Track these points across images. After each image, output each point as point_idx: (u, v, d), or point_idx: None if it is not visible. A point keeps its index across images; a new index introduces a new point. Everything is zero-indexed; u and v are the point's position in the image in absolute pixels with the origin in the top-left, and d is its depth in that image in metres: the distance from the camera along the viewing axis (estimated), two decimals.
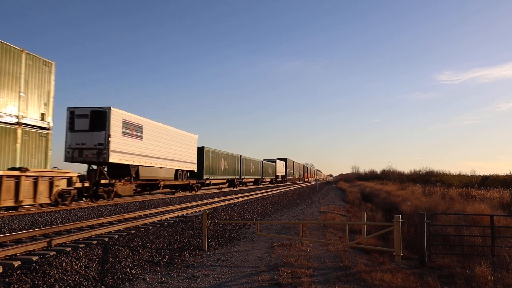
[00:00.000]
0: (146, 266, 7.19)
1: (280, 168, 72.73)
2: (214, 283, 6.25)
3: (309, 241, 9.90)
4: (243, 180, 47.58)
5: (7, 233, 9.70)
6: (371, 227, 12.22)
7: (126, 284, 6.08)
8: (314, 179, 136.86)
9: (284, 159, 79.33)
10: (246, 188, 45.95)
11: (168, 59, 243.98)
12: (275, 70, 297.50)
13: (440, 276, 7.05)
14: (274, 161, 68.83)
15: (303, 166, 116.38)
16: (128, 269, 6.81)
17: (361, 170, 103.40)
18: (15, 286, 5.57)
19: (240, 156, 45.58)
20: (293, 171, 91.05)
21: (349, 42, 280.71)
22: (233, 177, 42.33)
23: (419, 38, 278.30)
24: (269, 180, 65.04)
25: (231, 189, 40.82)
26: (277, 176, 69.75)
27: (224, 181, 39.57)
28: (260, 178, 56.69)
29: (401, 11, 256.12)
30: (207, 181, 33.83)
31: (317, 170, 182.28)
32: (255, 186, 51.94)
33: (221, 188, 39.20)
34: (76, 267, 6.67)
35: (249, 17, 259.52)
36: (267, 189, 43.99)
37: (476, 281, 6.58)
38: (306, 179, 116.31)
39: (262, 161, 57.56)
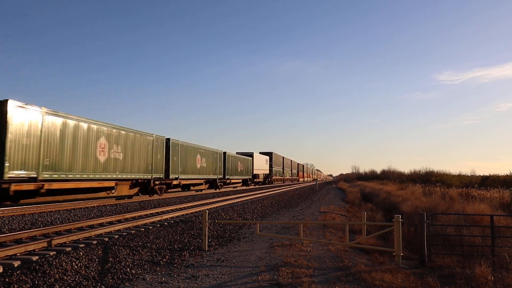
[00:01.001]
0: (146, 266, 7.19)
1: (260, 165, 56.51)
2: (214, 283, 6.25)
3: (309, 241, 9.90)
4: (178, 183, 27.16)
5: (7, 233, 9.70)
6: (371, 227, 12.22)
7: (126, 284, 6.08)
8: (312, 179, 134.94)
9: (269, 154, 63.89)
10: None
11: (168, 59, 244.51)
12: (275, 70, 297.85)
13: (440, 276, 7.05)
14: (250, 155, 50.80)
15: (297, 164, 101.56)
16: (128, 269, 6.81)
17: (361, 170, 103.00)
18: (15, 286, 5.57)
19: (168, 140, 25.12)
20: (283, 169, 76.09)
21: (349, 42, 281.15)
22: (145, 176, 22.28)
23: (419, 38, 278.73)
24: (240, 181, 46.58)
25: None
26: (255, 176, 52.52)
27: (113, 183, 19.30)
28: (221, 179, 37.26)
29: (401, 11, 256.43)
30: (25, 187, 13.72)
31: (317, 170, 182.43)
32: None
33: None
34: (76, 267, 6.68)
35: (249, 17, 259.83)
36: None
37: (476, 281, 6.59)
38: (301, 179, 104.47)
39: (223, 153, 38.00)
